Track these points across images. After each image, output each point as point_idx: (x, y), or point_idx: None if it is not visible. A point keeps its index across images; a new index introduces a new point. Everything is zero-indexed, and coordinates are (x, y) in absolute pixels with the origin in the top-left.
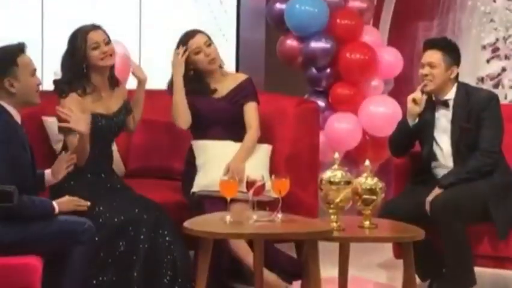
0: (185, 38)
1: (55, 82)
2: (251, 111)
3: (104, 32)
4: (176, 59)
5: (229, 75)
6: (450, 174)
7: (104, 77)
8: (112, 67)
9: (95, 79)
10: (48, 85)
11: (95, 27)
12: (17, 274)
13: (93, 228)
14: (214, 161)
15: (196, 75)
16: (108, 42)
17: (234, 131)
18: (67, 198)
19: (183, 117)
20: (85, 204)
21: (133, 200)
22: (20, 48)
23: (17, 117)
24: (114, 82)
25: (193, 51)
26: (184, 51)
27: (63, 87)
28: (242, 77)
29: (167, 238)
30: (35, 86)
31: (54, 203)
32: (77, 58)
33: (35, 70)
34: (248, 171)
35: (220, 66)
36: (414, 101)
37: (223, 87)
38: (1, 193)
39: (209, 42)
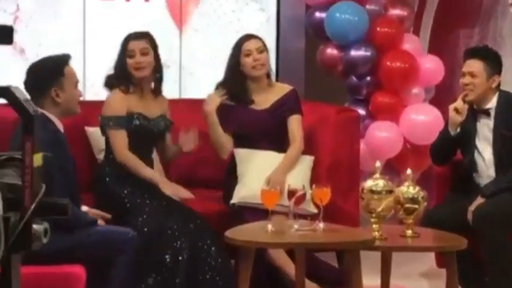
0: (241, 41)
1: (106, 76)
2: (295, 124)
3: (149, 41)
4: (212, 97)
5: (275, 86)
6: (492, 184)
7: (145, 83)
8: (154, 77)
9: (138, 82)
10: (90, 95)
11: (137, 36)
12: (61, 283)
13: (136, 238)
14: (255, 171)
15: (241, 79)
16: (145, 52)
17: (276, 142)
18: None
19: (225, 148)
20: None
21: (175, 209)
22: (66, 59)
23: (60, 127)
24: (155, 90)
25: (243, 53)
26: (222, 95)
27: (110, 81)
28: (287, 88)
29: (207, 247)
30: (78, 97)
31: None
32: (118, 61)
33: (77, 82)
34: (289, 182)
35: (268, 76)
36: (456, 110)
37: (267, 99)
38: (56, 206)
39: (262, 49)
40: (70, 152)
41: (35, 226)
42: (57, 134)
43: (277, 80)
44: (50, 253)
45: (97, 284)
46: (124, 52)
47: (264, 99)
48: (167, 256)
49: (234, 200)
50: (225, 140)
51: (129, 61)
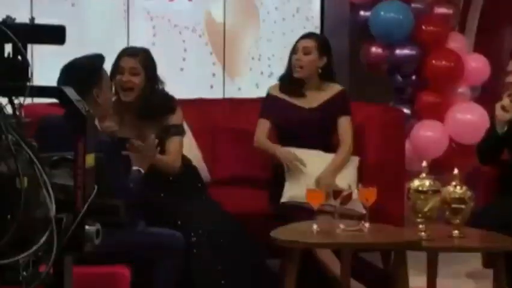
0: (303, 35)
1: None
2: (345, 126)
3: (140, 60)
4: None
5: (325, 86)
6: None
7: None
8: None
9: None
10: None
11: (129, 54)
12: (106, 283)
13: (183, 240)
14: (304, 172)
15: (292, 76)
16: (135, 73)
17: (322, 141)
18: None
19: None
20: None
21: (214, 212)
22: (102, 60)
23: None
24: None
25: (293, 51)
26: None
27: None
28: (337, 88)
29: (245, 249)
30: (112, 98)
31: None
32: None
33: (111, 83)
34: (337, 181)
35: (322, 78)
36: (503, 108)
37: (317, 97)
38: (108, 207)
39: (309, 51)
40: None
41: (87, 227)
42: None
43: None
44: (95, 254)
45: (141, 284)
46: (115, 68)
47: (314, 98)
48: (210, 257)
49: (284, 199)
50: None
51: (117, 78)
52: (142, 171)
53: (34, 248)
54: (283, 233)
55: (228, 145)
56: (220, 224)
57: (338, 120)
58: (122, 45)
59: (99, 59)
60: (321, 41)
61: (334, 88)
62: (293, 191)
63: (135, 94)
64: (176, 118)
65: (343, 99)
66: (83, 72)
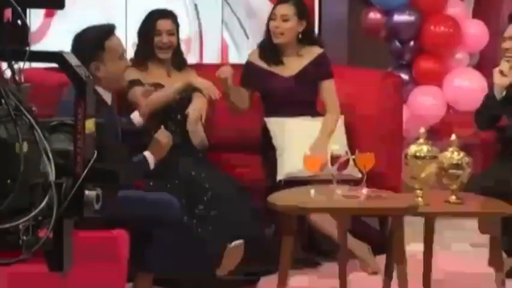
0: (277, 2)
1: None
2: (328, 89)
3: (172, 20)
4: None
5: (303, 51)
6: None
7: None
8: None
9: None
10: None
11: (164, 15)
12: (105, 247)
13: (180, 208)
14: (294, 142)
15: (271, 42)
16: (172, 33)
17: (306, 108)
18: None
19: (239, 108)
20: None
21: (215, 175)
22: (109, 30)
23: (108, 98)
24: (179, 65)
25: (270, 17)
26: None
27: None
28: (316, 51)
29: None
30: (123, 69)
31: (147, 155)
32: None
33: (123, 52)
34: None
35: (300, 42)
36: (501, 73)
37: (295, 64)
38: (107, 172)
39: (287, 18)
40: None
41: (87, 192)
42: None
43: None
44: (94, 221)
45: (142, 246)
46: (151, 30)
47: (293, 64)
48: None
49: (280, 176)
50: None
51: (155, 39)
52: (151, 162)
53: (34, 212)
54: (280, 199)
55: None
56: (230, 194)
57: (320, 85)
58: None
59: (104, 29)
60: (299, 5)
61: (313, 52)
62: (288, 168)
63: (171, 51)
64: (196, 78)
65: (323, 62)
66: (81, 46)
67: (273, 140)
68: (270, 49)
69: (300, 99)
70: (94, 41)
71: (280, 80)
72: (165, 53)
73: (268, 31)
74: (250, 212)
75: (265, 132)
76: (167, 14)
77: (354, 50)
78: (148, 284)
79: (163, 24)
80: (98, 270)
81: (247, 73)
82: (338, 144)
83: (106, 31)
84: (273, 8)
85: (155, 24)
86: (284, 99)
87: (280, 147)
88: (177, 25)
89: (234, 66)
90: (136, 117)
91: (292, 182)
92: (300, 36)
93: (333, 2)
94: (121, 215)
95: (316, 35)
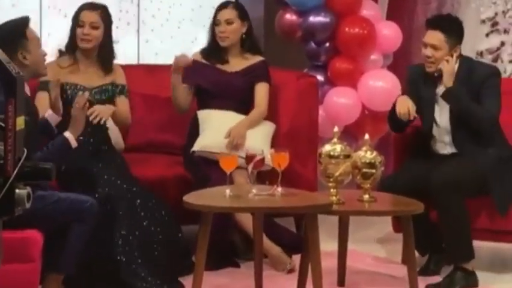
0: (216, 10)
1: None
2: (262, 91)
3: (100, 13)
4: (178, 59)
5: (248, 56)
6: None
7: (89, 54)
8: (103, 48)
9: (82, 53)
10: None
11: (90, 8)
12: (18, 247)
13: (95, 207)
14: (217, 126)
15: (216, 45)
16: (96, 26)
17: (240, 106)
18: (76, 118)
19: (182, 105)
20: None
21: (127, 181)
22: (25, 22)
23: (27, 90)
24: (104, 65)
25: (215, 22)
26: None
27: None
28: (259, 58)
29: (158, 218)
30: (43, 57)
31: (68, 135)
32: (70, 29)
33: (40, 42)
34: (249, 143)
35: (242, 45)
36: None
37: (240, 63)
38: (39, 170)
39: (231, 21)
40: (37, 114)
41: (17, 191)
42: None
43: None
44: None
45: (53, 248)
46: (75, 21)
47: (237, 64)
48: (122, 231)
49: (195, 147)
50: (183, 100)
51: (78, 31)
52: (72, 141)
53: None
54: (195, 198)
55: (142, 112)
56: (132, 192)
57: (256, 85)
58: None
59: (22, 20)
60: (239, 8)
61: (256, 58)
62: (204, 141)
63: (93, 44)
64: (122, 78)
65: (263, 67)
66: (4, 37)
67: (200, 126)
68: (215, 50)
69: (237, 95)
70: (16, 31)
71: (224, 74)
72: (85, 43)
73: (213, 36)
74: (169, 221)
75: (195, 122)
76: (95, 7)
77: (270, 51)
78: (57, 285)
79: (87, 16)
80: (10, 271)
81: (189, 69)
82: (263, 146)
83: (24, 22)
84: (216, 14)
85: (79, 15)
86: (223, 92)
87: (203, 130)
88: (107, 21)
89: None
90: (51, 116)
91: (207, 163)
92: (243, 36)
93: (249, 2)
94: (35, 214)
95: (257, 45)
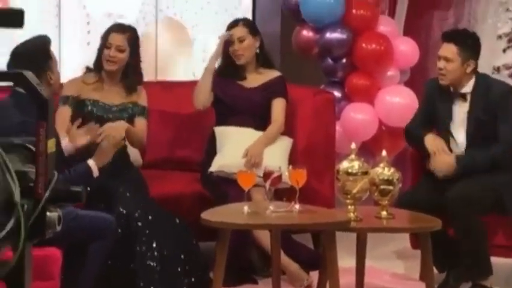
0: (230, 25)
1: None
2: (279, 107)
3: (128, 37)
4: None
5: (264, 71)
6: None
7: (113, 76)
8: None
9: (107, 74)
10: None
11: (120, 29)
12: (37, 265)
13: (114, 224)
14: (234, 144)
15: (231, 61)
16: (122, 50)
17: (259, 122)
18: (103, 151)
19: (202, 97)
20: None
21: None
22: (48, 41)
23: None
24: (129, 87)
25: (229, 40)
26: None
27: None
28: (276, 73)
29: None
30: (59, 78)
31: (91, 164)
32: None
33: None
34: (267, 161)
35: (258, 60)
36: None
37: (257, 79)
38: (70, 193)
39: (243, 38)
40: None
41: (48, 214)
42: None
43: None
44: None
45: (73, 266)
46: (103, 42)
47: (254, 79)
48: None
49: (212, 168)
50: (206, 89)
51: (105, 51)
52: (94, 170)
53: (3, 233)
54: (213, 215)
55: (160, 128)
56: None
57: (272, 101)
58: None
59: (44, 39)
60: (249, 24)
61: (273, 73)
62: (222, 161)
63: (117, 66)
64: (144, 100)
65: (280, 83)
66: (32, 56)
67: (217, 143)
68: (232, 67)
69: (255, 111)
70: (42, 51)
71: (243, 89)
72: (110, 65)
73: (226, 55)
74: (187, 238)
75: (212, 139)
76: (124, 30)
77: (287, 68)
78: None
79: (115, 39)
80: None
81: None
82: (280, 163)
83: (45, 41)
84: (230, 30)
85: (107, 36)
86: (241, 107)
87: (220, 148)
88: (133, 44)
89: None
90: (66, 145)
91: (225, 181)
92: (257, 51)
93: (265, 19)
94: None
95: (271, 59)
